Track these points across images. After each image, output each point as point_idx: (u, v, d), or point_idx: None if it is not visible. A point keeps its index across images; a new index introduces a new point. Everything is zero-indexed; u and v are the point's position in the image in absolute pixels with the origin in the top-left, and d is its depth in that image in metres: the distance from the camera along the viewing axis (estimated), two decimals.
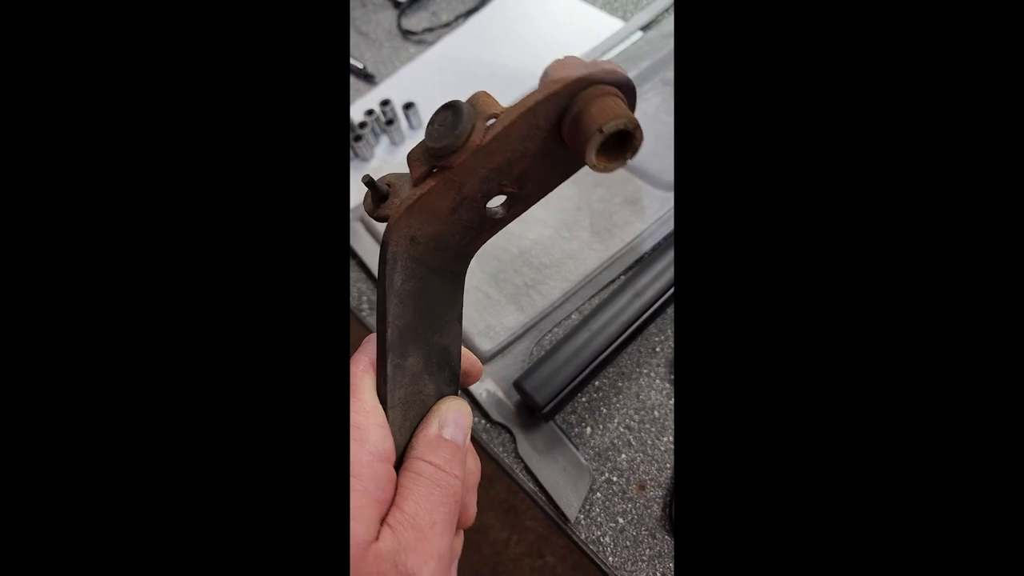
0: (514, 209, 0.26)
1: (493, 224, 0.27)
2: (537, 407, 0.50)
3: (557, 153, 0.24)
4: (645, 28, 0.77)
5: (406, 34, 0.86)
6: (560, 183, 0.26)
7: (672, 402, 0.52)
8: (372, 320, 0.62)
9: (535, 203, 0.27)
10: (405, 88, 0.79)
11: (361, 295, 0.64)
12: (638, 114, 0.68)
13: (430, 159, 0.24)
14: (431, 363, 0.28)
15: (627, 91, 0.22)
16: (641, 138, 0.21)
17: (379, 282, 0.26)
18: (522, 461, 0.52)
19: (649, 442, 0.51)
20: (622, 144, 0.22)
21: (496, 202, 0.26)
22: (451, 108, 0.24)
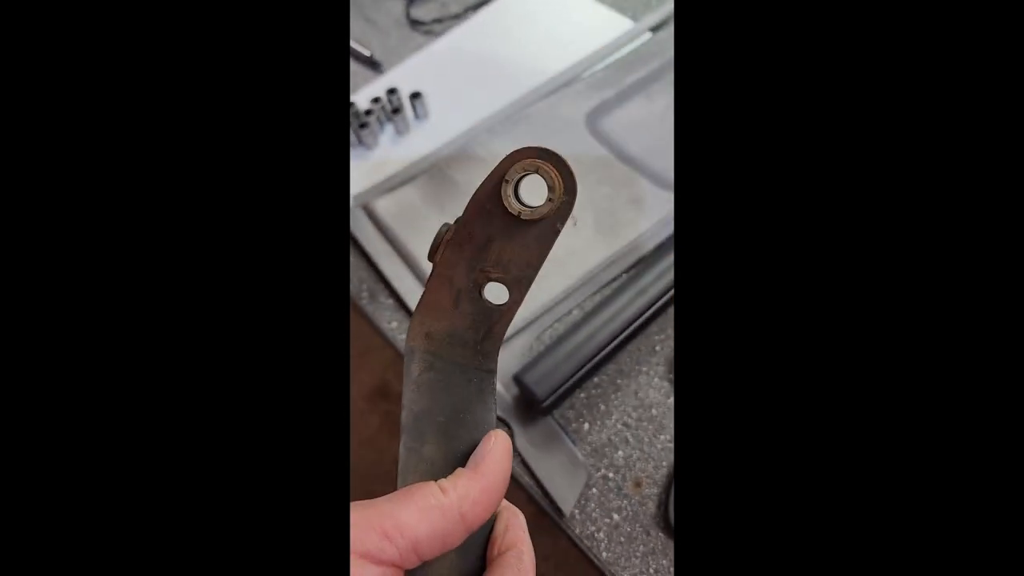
0: (512, 295, 0.28)
1: (500, 314, 0.28)
2: (537, 401, 0.50)
3: (521, 230, 0.26)
4: (655, 29, 0.77)
5: (414, 23, 0.86)
6: (543, 257, 0.27)
7: (670, 401, 0.53)
8: (372, 308, 0.62)
9: (530, 284, 0.28)
10: (412, 78, 0.78)
11: (361, 283, 0.64)
12: (646, 115, 0.69)
13: (431, 262, 0.28)
14: (455, 458, 0.28)
15: (550, 157, 0.25)
16: (555, 181, 0.25)
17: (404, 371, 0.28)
18: (519, 455, 0.52)
19: (646, 440, 0.51)
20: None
21: (494, 293, 0.28)
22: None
